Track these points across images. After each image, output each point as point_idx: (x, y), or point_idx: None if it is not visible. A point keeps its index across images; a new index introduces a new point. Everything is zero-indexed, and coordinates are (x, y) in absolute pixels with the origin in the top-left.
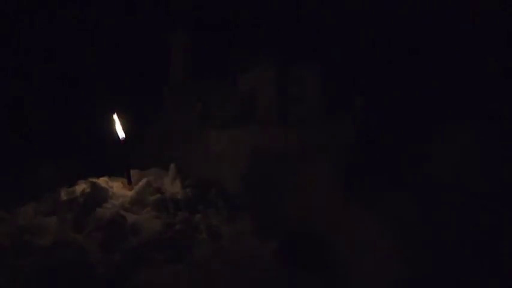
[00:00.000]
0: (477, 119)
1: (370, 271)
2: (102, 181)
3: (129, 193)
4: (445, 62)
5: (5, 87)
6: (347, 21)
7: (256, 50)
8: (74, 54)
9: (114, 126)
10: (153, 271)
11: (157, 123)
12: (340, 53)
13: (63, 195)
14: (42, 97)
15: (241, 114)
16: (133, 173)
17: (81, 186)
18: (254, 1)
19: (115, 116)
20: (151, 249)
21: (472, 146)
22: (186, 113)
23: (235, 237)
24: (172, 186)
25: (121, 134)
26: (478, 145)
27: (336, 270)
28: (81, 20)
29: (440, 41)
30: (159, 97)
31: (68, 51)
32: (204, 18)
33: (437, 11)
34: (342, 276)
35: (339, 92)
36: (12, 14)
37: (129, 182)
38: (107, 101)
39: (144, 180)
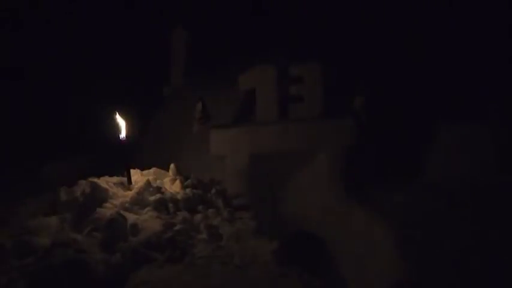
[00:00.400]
0: (476, 119)
1: (370, 271)
2: (102, 181)
3: (129, 193)
4: (445, 62)
5: (5, 87)
6: (347, 21)
7: (256, 50)
8: (74, 53)
9: (115, 126)
10: (153, 271)
11: (157, 123)
12: (340, 53)
13: (63, 195)
14: (43, 97)
15: (241, 114)
16: (133, 173)
17: (81, 186)
18: (254, 1)
19: (115, 116)
20: (151, 249)
21: (472, 145)
22: (186, 113)
23: (235, 237)
24: (172, 186)
25: (121, 134)
26: (477, 145)
27: (336, 271)
28: (82, 19)
29: (440, 41)
30: (159, 97)
31: (69, 50)
32: (205, 17)
33: (436, 11)
34: (342, 277)
35: (339, 92)
36: (12, 12)
37: (129, 182)
38: (107, 101)
39: (144, 180)
